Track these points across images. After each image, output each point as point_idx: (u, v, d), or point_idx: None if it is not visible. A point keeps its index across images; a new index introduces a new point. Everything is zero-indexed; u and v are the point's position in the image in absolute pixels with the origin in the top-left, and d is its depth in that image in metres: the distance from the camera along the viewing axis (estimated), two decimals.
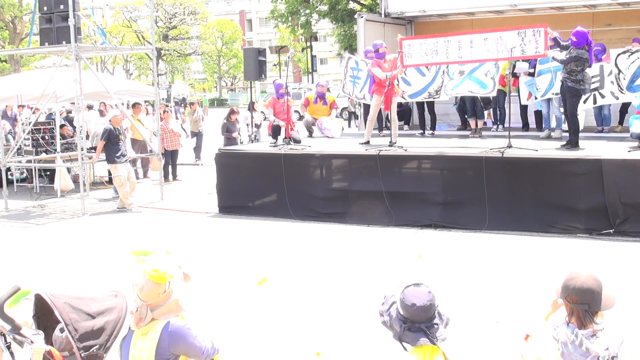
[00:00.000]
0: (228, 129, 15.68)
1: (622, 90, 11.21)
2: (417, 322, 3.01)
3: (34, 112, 15.47)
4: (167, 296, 3.26)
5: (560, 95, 11.16)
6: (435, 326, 3.03)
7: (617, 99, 11.52)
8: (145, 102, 21.22)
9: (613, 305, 3.09)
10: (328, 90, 14.63)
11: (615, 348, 2.98)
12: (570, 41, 9.69)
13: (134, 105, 15.69)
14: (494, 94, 12.10)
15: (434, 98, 12.92)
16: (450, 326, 3.12)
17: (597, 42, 12.20)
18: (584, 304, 3.03)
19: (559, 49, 10.09)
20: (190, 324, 3.33)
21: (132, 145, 15.35)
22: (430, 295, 3.06)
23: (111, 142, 11.99)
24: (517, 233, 9.23)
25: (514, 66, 11.72)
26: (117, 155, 12.01)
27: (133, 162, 15.64)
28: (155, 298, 3.22)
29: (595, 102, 11.58)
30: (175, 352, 3.25)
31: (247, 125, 16.60)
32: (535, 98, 12.10)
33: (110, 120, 12.27)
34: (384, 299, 3.18)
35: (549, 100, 12.03)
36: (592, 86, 10.35)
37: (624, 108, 12.13)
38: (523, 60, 11.76)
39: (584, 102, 11.22)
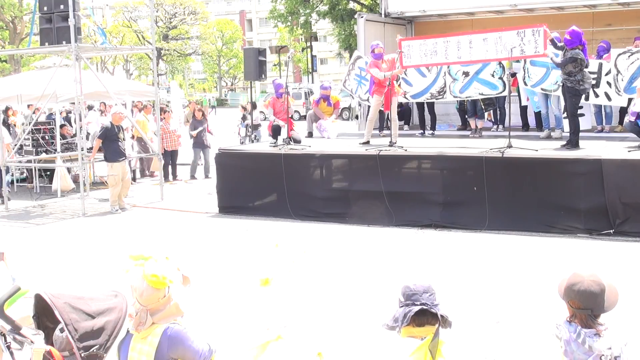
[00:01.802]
0: (195, 127, 15.89)
1: (619, 92, 11.19)
2: (418, 301, 3.03)
3: (34, 112, 15.47)
4: (167, 301, 3.26)
5: (558, 95, 11.18)
6: (436, 302, 3.06)
7: (610, 100, 11.51)
8: (146, 101, 21.25)
9: (616, 303, 3.08)
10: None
11: (619, 349, 2.98)
12: (564, 40, 9.69)
13: (146, 106, 16.00)
14: (506, 94, 12.06)
15: (436, 99, 12.92)
16: (450, 329, 3.12)
17: (602, 40, 12.20)
18: (586, 309, 3.03)
19: (557, 49, 10.08)
20: (188, 327, 3.32)
21: (138, 144, 15.49)
22: (429, 283, 3.11)
23: (109, 140, 11.95)
24: (517, 233, 9.23)
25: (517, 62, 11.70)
26: (115, 153, 11.98)
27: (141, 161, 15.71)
28: (154, 303, 3.22)
29: (587, 97, 11.55)
30: (174, 356, 3.25)
31: (247, 125, 16.62)
32: (525, 84, 12.03)
33: (111, 118, 12.30)
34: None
35: (546, 100, 12.03)
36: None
37: (625, 108, 12.12)
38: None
39: None
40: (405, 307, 3.04)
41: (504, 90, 11.91)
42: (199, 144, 15.86)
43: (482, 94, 12.21)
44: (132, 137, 15.74)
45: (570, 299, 3.06)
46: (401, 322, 3.03)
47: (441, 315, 3.02)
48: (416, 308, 3.01)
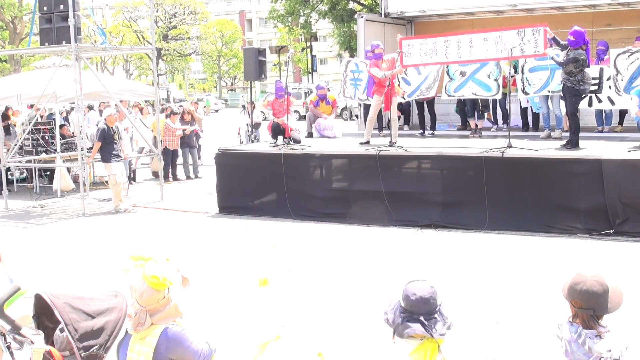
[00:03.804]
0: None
1: (619, 91, 11.18)
2: (417, 314, 3.00)
3: (40, 112, 15.50)
4: (166, 302, 3.26)
5: (560, 94, 11.16)
6: (435, 320, 3.01)
7: (614, 104, 11.50)
8: (146, 102, 21.25)
9: (620, 305, 3.07)
10: (328, 89, 14.75)
11: (619, 351, 2.98)
12: (567, 41, 9.67)
13: (166, 108, 16.29)
14: (499, 96, 12.06)
15: (424, 95, 12.92)
16: (452, 329, 3.10)
17: (599, 41, 12.18)
18: (588, 309, 3.03)
19: (559, 48, 10.07)
20: (187, 328, 3.32)
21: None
22: (432, 290, 3.05)
23: (106, 142, 11.99)
24: (517, 233, 9.22)
25: (514, 66, 11.70)
26: (112, 154, 12.00)
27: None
28: (154, 304, 3.22)
29: (590, 104, 11.55)
30: (172, 357, 3.25)
31: (247, 125, 16.62)
32: (526, 93, 12.00)
33: (105, 119, 12.30)
34: (391, 301, 3.17)
35: (547, 99, 12.02)
36: (591, 88, 10.33)
37: (624, 108, 12.11)
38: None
39: None
40: (404, 321, 3.01)
41: (497, 92, 11.91)
42: (186, 144, 15.99)
43: (475, 94, 12.20)
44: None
45: (573, 298, 3.06)
46: (400, 333, 3.02)
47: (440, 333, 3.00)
48: (414, 329, 2.98)
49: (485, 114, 13.07)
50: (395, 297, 3.15)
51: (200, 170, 16.27)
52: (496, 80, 11.83)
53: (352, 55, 14.56)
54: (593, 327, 3.02)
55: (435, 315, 3.03)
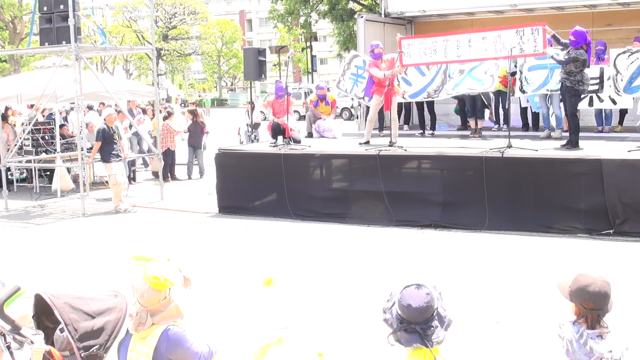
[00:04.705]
0: (187, 127, 16.50)
1: (619, 91, 11.18)
2: (413, 323, 2.94)
3: (42, 112, 15.55)
4: (167, 302, 3.27)
5: (559, 94, 11.17)
6: (432, 328, 2.94)
7: (615, 104, 11.50)
8: (147, 103, 21.26)
9: (611, 304, 3.09)
10: (328, 90, 14.75)
11: (619, 352, 2.98)
12: (569, 40, 9.66)
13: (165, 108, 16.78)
14: (492, 89, 12.05)
15: (432, 98, 12.90)
16: (451, 328, 3.08)
17: (598, 40, 12.18)
18: (598, 310, 3.03)
19: (560, 46, 10.05)
20: (187, 329, 3.33)
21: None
22: (428, 297, 2.95)
23: (106, 142, 11.98)
24: (517, 233, 9.23)
25: (515, 65, 11.69)
26: (111, 154, 12.00)
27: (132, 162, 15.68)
28: (155, 304, 3.23)
29: (591, 104, 11.55)
30: (172, 358, 3.25)
31: (247, 125, 16.63)
32: (524, 92, 11.99)
33: (104, 120, 12.29)
34: (390, 296, 3.10)
35: (547, 99, 12.01)
36: (591, 88, 10.33)
37: (624, 108, 12.12)
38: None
39: None
40: (401, 330, 2.96)
41: (490, 85, 11.90)
42: (190, 144, 16.02)
43: (470, 89, 12.19)
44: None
45: (584, 301, 3.04)
46: (398, 340, 2.99)
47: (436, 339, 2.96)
48: (411, 342, 2.92)
49: (487, 114, 13.06)
50: (394, 291, 3.08)
51: (195, 169, 16.29)
52: (492, 75, 11.81)
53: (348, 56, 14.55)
54: (597, 327, 3.03)
55: (432, 323, 2.95)
